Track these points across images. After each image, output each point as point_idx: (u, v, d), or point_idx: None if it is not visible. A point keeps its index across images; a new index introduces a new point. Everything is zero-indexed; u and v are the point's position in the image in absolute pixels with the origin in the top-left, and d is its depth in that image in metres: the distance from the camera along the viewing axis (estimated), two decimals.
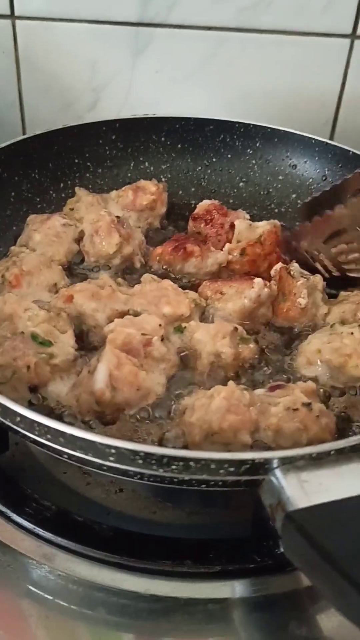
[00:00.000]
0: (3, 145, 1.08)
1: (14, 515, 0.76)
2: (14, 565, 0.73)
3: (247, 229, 1.04)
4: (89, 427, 0.76)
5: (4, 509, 0.77)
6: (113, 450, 0.62)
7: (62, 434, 0.63)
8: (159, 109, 1.30)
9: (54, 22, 1.33)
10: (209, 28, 1.34)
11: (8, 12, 1.32)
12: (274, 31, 1.35)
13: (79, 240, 1.06)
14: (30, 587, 0.71)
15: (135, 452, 0.61)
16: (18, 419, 0.65)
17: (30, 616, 0.69)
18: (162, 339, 0.82)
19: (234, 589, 0.72)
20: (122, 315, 0.87)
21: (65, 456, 0.66)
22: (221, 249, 1.06)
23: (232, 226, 1.10)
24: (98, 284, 0.94)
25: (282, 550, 0.61)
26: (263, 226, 1.04)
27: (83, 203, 1.11)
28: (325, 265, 1.01)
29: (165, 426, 0.79)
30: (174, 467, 0.62)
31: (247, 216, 1.14)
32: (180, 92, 1.42)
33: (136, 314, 0.89)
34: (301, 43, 1.35)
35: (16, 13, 1.32)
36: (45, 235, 1.03)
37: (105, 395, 0.76)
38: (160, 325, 0.84)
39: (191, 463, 0.61)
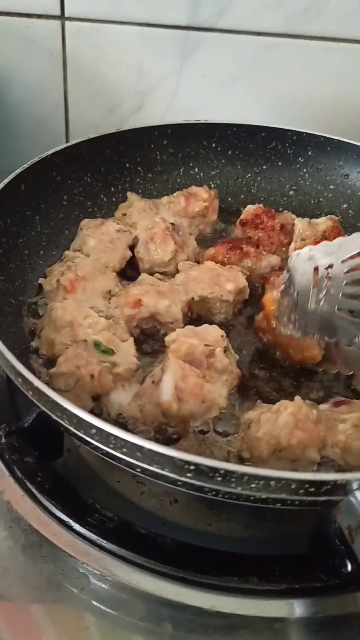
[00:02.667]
0: (59, 148, 1.07)
1: (77, 525, 0.75)
2: (76, 577, 0.72)
3: (309, 227, 1.05)
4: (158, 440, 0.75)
5: (66, 519, 0.76)
6: (192, 467, 0.61)
7: (140, 448, 0.62)
8: (204, 114, 1.28)
9: (103, 24, 1.32)
10: (258, 33, 1.33)
11: (58, 12, 1.31)
12: (322, 38, 1.33)
13: (132, 246, 1.06)
14: (94, 602, 0.70)
15: (215, 469, 0.60)
16: (93, 431, 0.64)
17: (96, 631, 0.68)
18: (225, 350, 0.81)
19: (299, 607, 0.71)
20: (189, 305, 0.87)
21: (139, 470, 0.65)
22: (274, 252, 1.06)
23: (283, 228, 1.11)
24: (145, 282, 0.94)
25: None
26: (324, 222, 1.05)
27: (135, 208, 1.10)
28: None
29: (228, 440, 0.79)
30: (253, 485, 0.61)
31: (294, 217, 1.14)
32: (225, 97, 1.40)
33: (203, 298, 0.90)
34: (350, 50, 1.33)
35: (66, 14, 1.31)
36: (99, 241, 1.03)
37: (173, 407, 0.75)
38: (222, 336, 0.83)
39: (272, 482, 0.60)
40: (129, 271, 1.05)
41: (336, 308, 0.80)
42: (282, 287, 0.85)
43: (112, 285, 0.99)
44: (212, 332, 0.84)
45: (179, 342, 0.81)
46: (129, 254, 1.05)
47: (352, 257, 0.79)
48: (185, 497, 0.83)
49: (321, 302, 0.80)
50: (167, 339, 0.84)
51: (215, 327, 0.85)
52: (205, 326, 0.86)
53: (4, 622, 0.69)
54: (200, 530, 0.81)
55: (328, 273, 0.79)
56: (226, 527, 0.81)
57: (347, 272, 0.79)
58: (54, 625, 0.68)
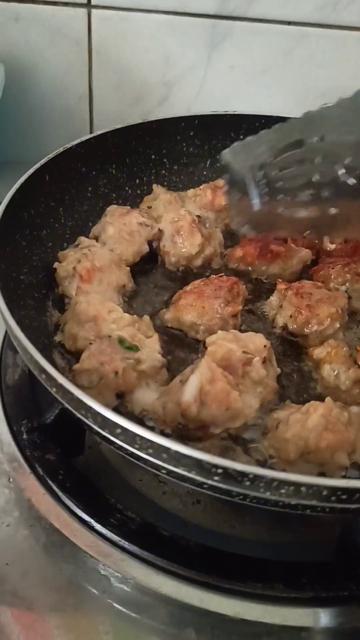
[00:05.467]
0: (84, 139, 1.05)
1: (99, 525, 0.74)
2: (97, 579, 0.70)
3: None
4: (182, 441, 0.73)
5: (87, 519, 0.74)
6: (220, 470, 0.58)
7: (167, 449, 0.60)
8: (231, 106, 1.25)
9: (130, 12, 1.30)
10: (289, 23, 1.30)
11: (84, 0, 1.29)
12: (355, 27, 1.30)
13: (151, 241, 1.04)
14: (115, 605, 0.68)
15: (244, 474, 0.58)
16: (118, 430, 0.62)
17: (118, 635, 0.66)
18: (264, 361, 0.79)
19: (325, 617, 0.69)
20: None
21: (164, 471, 0.63)
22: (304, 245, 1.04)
23: None
24: None
25: None
26: None
27: (161, 201, 1.08)
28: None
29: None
30: (282, 491, 0.58)
31: None
32: (254, 89, 1.37)
33: None
34: None
35: (93, 2, 1.29)
36: (118, 231, 1.01)
37: (191, 409, 0.72)
38: (265, 346, 0.80)
39: (302, 488, 0.58)
40: (146, 266, 1.04)
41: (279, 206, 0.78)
42: (226, 188, 0.83)
43: (126, 280, 0.97)
44: (255, 340, 0.81)
45: (216, 345, 0.79)
46: (147, 248, 1.03)
47: (281, 151, 0.77)
48: (208, 498, 0.80)
49: (264, 198, 0.77)
50: (207, 340, 0.81)
51: (260, 335, 0.82)
52: (250, 333, 0.83)
53: (23, 622, 0.67)
54: (223, 533, 0.79)
55: (262, 170, 0.77)
56: (250, 530, 0.79)
57: (280, 169, 0.77)
58: (75, 628, 0.67)
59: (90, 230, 1.06)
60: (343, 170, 0.75)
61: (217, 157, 1.19)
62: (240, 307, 0.90)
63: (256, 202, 0.77)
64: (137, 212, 1.04)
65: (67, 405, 0.67)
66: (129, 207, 1.06)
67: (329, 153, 0.76)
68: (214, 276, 0.95)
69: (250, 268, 1.03)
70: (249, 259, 1.01)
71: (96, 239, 1.02)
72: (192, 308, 0.89)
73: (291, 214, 0.79)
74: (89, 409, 0.63)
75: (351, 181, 0.75)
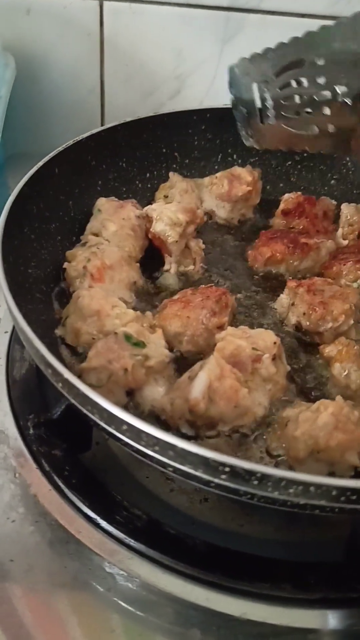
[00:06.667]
0: (94, 131, 1.04)
1: (104, 523, 0.73)
2: (102, 576, 0.70)
3: (356, 212, 1.04)
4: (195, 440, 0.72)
5: (93, 516, 0.74)
6: (227, 469, 0.57)
7: (173, 446, 0.59)
8: None
9: (142, 4, 1.29)
10: (302, 15, 1.28)
11: None
12: None
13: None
14: (121, 603, 0.68)
15: (251, 472, 0.57)
16: (125, 427, 0.61)
17: (123, 633, 0.65)
18: (274, 359, 0.77)
19: (334, 619, 0.68)
20: None
21: (170, 469, 0.62)
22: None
23: (325, 214, 1.09)
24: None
25: None
26: None
27: (177, 189, 1.08)
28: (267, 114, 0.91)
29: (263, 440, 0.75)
30: (291, 490, 0.57)
31: (334, 202, 1.12)
32: None
33: None
34: None
35: None
36: (120, 227, 0.99)
37: (199, 406, 0.72)
38: (275, 343, 0.79)
39: (311, 488, 0.57)
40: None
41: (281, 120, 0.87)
42: (232, 103, 0.91)
43: (137, 277, 0.96)
44: (265, 337, 0.79)
45: (226, 341, 0.78)
46: (148, 242, 1.02)
47: (284, 69, 0.84)
48: (216, 496, 0.79)
49: (268, 116, 0.87)
50: (217, 336, 0.80)
51: (270, 332, 0.81)
52: (260, 330, 0.82)
53: (27, 618, 0.67)
54: (231, 531, 0.78)
55: (266, 88, 0.86)
56: (258, 529, 0.78)
57: (282, 87, 0.85)
58: (80, 626, 0.66)
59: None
60: (344, 89, 0.82)
61: (229, 151, 1.19)
62: (227, 319, 0.87)
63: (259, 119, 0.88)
64: (130, 204, 1.03)
65: (73, 401, 0.67)
66: (119, 201, 1.04)
67: (328, 73, 0.82)
68: (204, 286, 0.93)
69: (277, 268, 1.02)
70: (278, 256, 1.00)
71: (95, 235, 1.00)
72: (176, 317, 0.86)
73: (294, 129, 0.86)
74: (95, 404, 0.62)
75: (349, 100, 0.82)
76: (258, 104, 0.89)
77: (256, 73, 0.87)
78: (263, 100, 0.88)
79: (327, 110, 0.85)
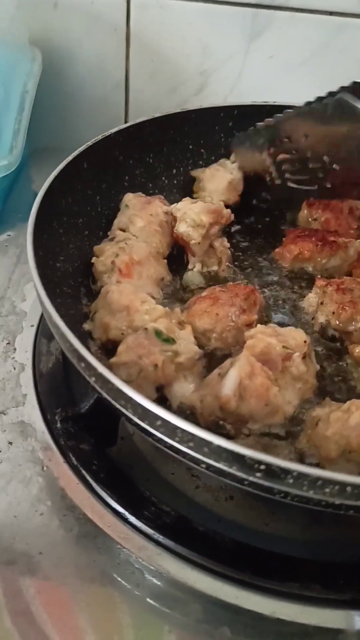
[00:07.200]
0: (122, 127, 1.04)
1: (133, 517, 0.73)
2: (130, 572, 0.69)
3: None
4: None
5: (121, 510, 0.73)
6: (263, 467, 0.57)
7: (208, 443, 0.58)
8: (268, 96, 1.23)
9: (170, 0, 1.28)
10: (331, 13, 1.27)
11: None
12: None
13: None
14: (149, 600, 0.68)
15: (287, 471, 0.56)
16: (159, 422, 0.61)
17: (150, 630, 0.65)
18: (304, 357, 0.77)
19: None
20: None
21: (203, 466, 0.62)
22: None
23: (350, 212, 1.08)
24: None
25: None
26: None
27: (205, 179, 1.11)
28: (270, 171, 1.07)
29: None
30: (327, 490, 0.57)
31: None
32: (292, 80, 1.35)
33: None
34: None
35: None
36: (148, 223, 0.99)
37: (230, 404, 0.71)
38: (305, 341, 0.78)
39: (348, 488, 0.56)
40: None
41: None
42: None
43: (164, 273, 0.96)
44: (296, 336, 0.79)
45: (256, 339, 0.77)
46: (174, 238, 1.02)
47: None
48: (241, 494, 0.79)
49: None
50: (246, 333, 0.80)
51: (300, 331, 0.80)
52: (290, 328, 0.81)
53: (55, 613, 0.67)
54: (257, 530, 0.77)
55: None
56: (285, 528, 0.77)
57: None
58: (107, 621, 0.66)
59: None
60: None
61: None
62: (256, 317, 0.86)
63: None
64: (158, 200, 1.03)
65: (105, 395, 0.66)
66: (147, 196, 1.04)
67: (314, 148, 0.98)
68: (232, 283, 0.93)
69: (305, 265, 1.01)
70: (307, 254, 0.99)
71: (122, 231, 1.00)
72: (205, 314, 0.85)
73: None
74: (129, 399, 0.62)
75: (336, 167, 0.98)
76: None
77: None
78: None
79: (320, 174, 1.00)
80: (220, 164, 1.14)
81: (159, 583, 0.69)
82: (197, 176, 1.14)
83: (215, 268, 1.01)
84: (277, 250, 1.04)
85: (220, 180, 1.10)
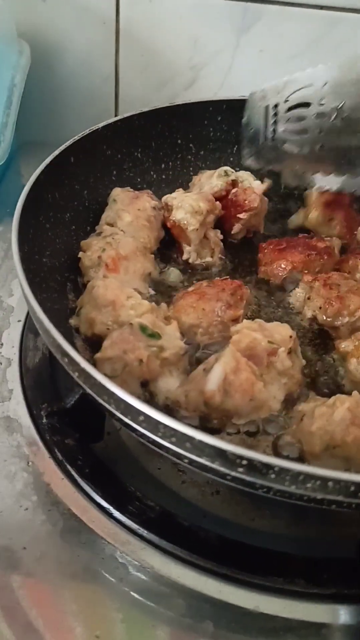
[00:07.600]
0: (110, 121, 1.03)
1: (117, 512, 0.73)
2: (115, 566, 0.70)
3: None
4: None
5: (106, 505, 0.73)
6: (245, 462, 0.57)
7: (190, 438, 0.58)
8: None
9: None
10: (321, 7, 1.26)
11: None
12: None
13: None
14: (133, 594, 0.68)
15: (269, 466, 0.56)
16: (141, 417, 0.61)
17: (134, 624, 0.65)
18: (290, 352, 0.77)
19: (347, 614, 0.68)
20: None
21: (186, 461, 0.62)
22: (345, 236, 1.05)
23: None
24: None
25: None
26: None
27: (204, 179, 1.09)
28: None
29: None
30: (308, 485, 0.57)
31: None
32: (282, 74, 1.33)
33: None
34: None
35: None
36: (135, 218, 0.99)
37: (215, 399, 0.71)
38: (291, 337, 0.78)
39: (329, 483, 0.56)
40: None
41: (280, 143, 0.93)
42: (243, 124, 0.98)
43: (151, 268, 0.96)
44: (281, 331, 0.79)
45: (241, 334, 0.77)
46: (163, 233, 1.02)
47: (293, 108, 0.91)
48: (228, 490, 0.79)
49: (269, 137, 0.94)
50: (232, 328, 0.80)
51: (286, 326, 0.80)
52: (276, 323, 0.81)
53: (38, 607, 0.67)
54: (242, 525, 0.77)
55: (275, 112, 0.93)
56: (270, 523, 0.77)
57: (288, 110, 0.91)
58: (91, 615, 0.66)
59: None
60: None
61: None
62: (242, 312, 0.86)
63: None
64: (146, 195, 1.03)
65: (89, 391, 0.66)
66: (135, 191, 1.04)
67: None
68: (219, 279, 0.92)
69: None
70: (298, 266, 0.97)
71: (109, 225, 1.00)
72: (191, 309, 0.85)
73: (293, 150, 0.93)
74: (112, 394, 0.62)
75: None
76: (262, 130, 0.97)
77: (271, 98, 0.95)
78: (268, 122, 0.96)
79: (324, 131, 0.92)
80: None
81: (143, 578, 0.69)
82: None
83: (209, 259, 1.01)
84: (262, 269, 1.00)
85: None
